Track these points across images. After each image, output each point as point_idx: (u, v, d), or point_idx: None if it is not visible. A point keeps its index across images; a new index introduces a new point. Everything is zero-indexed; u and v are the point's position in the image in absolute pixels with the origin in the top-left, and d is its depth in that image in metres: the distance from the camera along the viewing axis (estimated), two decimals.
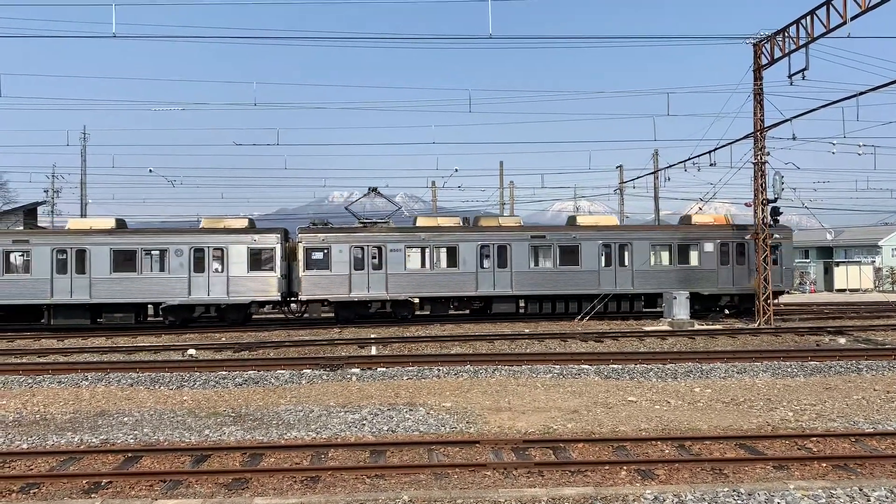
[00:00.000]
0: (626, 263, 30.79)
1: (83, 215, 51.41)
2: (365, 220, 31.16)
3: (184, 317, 28.81)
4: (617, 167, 51.39)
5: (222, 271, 28.42)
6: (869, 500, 8.11)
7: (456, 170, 44.80)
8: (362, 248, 29.20)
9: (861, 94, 21.51)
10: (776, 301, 32.97)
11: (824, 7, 22.45)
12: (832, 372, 17.37)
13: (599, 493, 8.30)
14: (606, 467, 9.46)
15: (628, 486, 8.71)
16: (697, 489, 8.43)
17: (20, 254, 28.17)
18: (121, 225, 29.87)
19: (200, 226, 29.94)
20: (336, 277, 28.87)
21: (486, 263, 29.94)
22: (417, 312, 30.61)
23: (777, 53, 26.18)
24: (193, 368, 18.30)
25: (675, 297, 28.08)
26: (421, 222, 31.26)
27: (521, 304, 31.44)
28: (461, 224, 31.54)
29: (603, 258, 30.68)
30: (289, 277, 29.31)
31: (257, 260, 28.63)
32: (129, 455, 10.17)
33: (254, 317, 31.96)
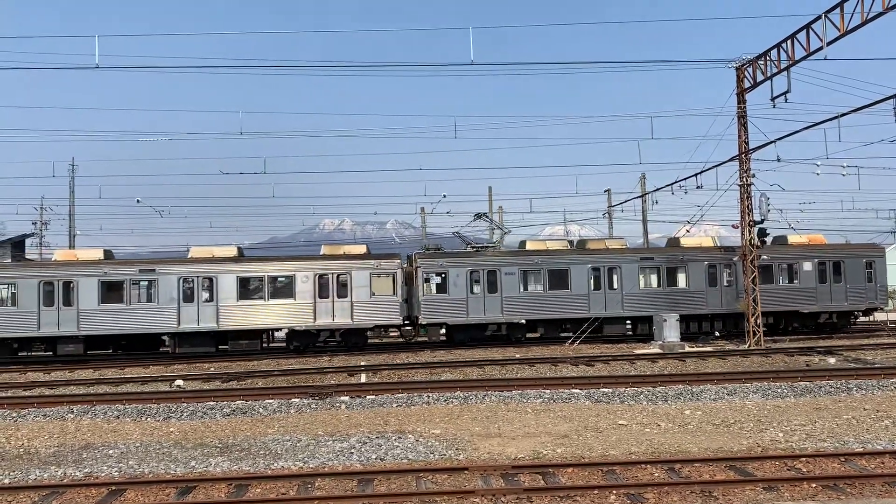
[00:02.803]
0: (731, 283, 31.26)
1: (71, 247, 51.13)
2: (476, 245, 32.06)
3: (307, 342, 29.21)
4: (605, 191, 51.63)
5: (346, 297, 28.78)
6: None
7: (444, 195, 44.79)
8: (478, 273, 29.92)
9: (842, 115, 21.76)
10: (868, 318, 34.56)
11: (804, 31, 22.80)
12: (822, 392, 17.36)
13: None
14: (595, 492, 9.38)
15: None
16: None
17: (145, 283, 28.37)
18: (240, 253, 30.33)
19: (321, 252, 30.62)
20: (454, 301, 29.57)
21: (596, 285, 30.54)
22: (528, 335, 31.31)
23: (759, 77, 26.50)
24: (181, 399, 18.13)
25: (666, 320, 28.07)
26: (530, 246, 32.09)
27: (629, 324, 32.04)
28: (569, 247, 32.35)
29: (707, 278, 31.09)
30: (409, 302, 29.76)
31: (380, 285, 29.08)
32: (113, 488, 10.02)
33: (369, 341, 32.14)
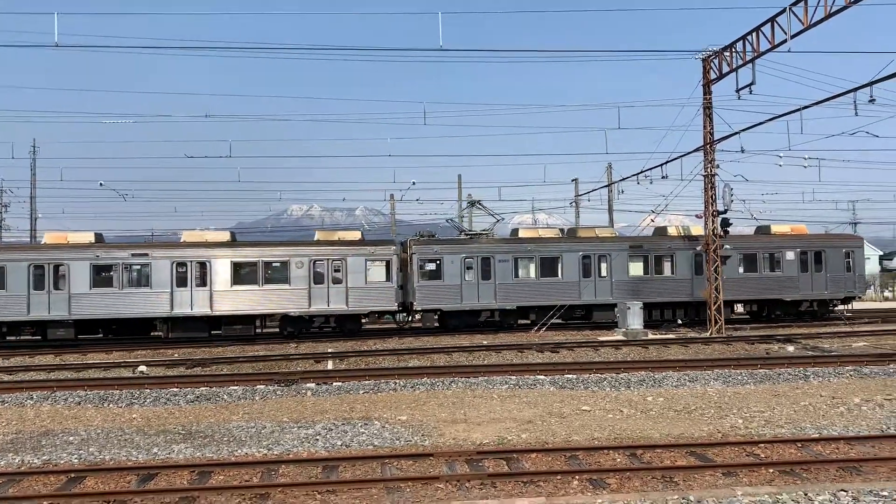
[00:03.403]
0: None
1: (33, 230, 50.05)
2: (470, 232, 32.35)
3: (301, 328, 29.18)
4: (572, 180, 51.90)
5: (341, 283, 28.83)
6: None
7: (413, 183, 44.62)
8: (472, 259, 30.21)
9: (805, 108, 22.13)
10: (847, 307, 35.21)
11: (769, 24, 23.09)
12: (781, 379, 17.73)
13: (552, 503, 8.33)
14: (559, 477, 9.49)
15: (580, 496, 8.75)
16: (648, 497, 8.50)
17: (138, 267, 27.97)
18: (233, 237, 30.13)
19: (315, 238, 30.49)
20: (448, 287, 29.85)
21: (586, 273, 30.99)
22: (520, 321, 31.59)
23: (725, 68, 26.80)
24: (144, 385, 17.92)
25: (630, 308, 28.38)
26: (523, 234, 32.46)
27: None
28: (560, 235, 32.73)
29: (694, 266, 31.58)
30: (403, 288, 29.92)
31: (375, 271, 29.24)
32: (73, 476, 9.88)
33: (364, 327, 32.11)
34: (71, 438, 12.52)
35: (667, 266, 31.92)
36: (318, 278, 28.72)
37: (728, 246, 30.39)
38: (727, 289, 31.58)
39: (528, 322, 31.26)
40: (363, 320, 30.54)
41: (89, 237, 28.89)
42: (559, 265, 30.89)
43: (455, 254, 30.04)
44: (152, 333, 29.80)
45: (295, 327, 29.19)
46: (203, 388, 17.34)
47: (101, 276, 27.67)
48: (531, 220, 60.56)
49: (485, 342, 26.47)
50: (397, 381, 17.90)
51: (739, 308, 35.33)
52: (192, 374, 20.18)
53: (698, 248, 30.81)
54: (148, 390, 17.27)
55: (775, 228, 34.48)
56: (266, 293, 28.39)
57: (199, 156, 34.44)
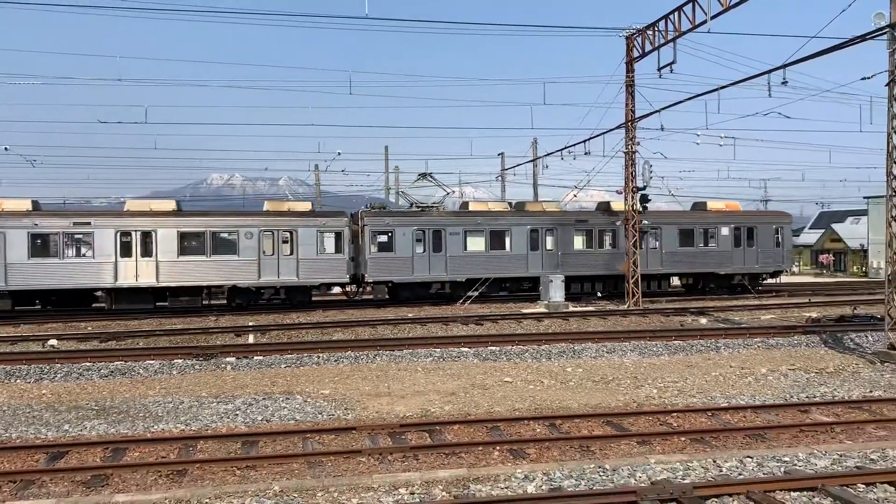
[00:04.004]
0: (656, 246, 32.96)
1: None
2: (421, 205, 32.18)
3: (250, 300, 28.71)
4: (499, 154, 52.17)
5: (291, 254, 28.43)
6: (721, 471, 8.64)
7: (339, 153, 44.14)
8: (424, 232, 30.27)
9: (722, 88, 22.72)
10: (774, 280, 36.90)
11: (690, 4, 23.60)
12: (694, 350, 18.43)
13: (472, 475, 8.42)
14: (480, 448, 9.62)
15: (500, 466, 8.88)
16: (566, 466, 8.71)
17: (79, 236, 26.72)
18: (179, 207, 29.19)
19: (264, 209, 29.95)
20: (400, 259, 29.86)
21: (534, 246, 31.52)
22: (470, 293, 31.58)
23: (648, 47, 27.30)
24: (55, 360, 17.19)
25: (552, 281, 28.92)
26: (473, 207, 32.68)
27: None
28: (510, 209, 33.09)
29: (637, 241, 32.07)
30: (355, 260, 29.64)
31: (326, 243, 28.94)
32: None
33: (314, 299, 31.74)
34: None
35: (611, 240, 32.82)
36: (268, 249, 28.42)
37: (646, 221, 31.22)
38: (666, 262, 32.86)
39: (477, 294, 31.68)
40: (314, 292, 30.38)
41: (26, 204, 27.63)
42: (508, 238, 31.43)
43: (407, 226, 30.19)
44: (94, 305, 28.91)
45: (244, 299, 28.90)
46: (118, 363, 16.80)
47: (40, 245, 26.55)
48: (458, 193, 60.67)
49: (410, 315, 26.52)
50: (320, 354, 17.74)
51: (676, 281, 36.60)
52: (107, 347, 19.49)
53: (617, 223, 31.56)
54: (59, 365, 16.60)
55: (711, 205, 35.86)
56: (214, 264, 27.94)
57: (112, 121, 32.88)
